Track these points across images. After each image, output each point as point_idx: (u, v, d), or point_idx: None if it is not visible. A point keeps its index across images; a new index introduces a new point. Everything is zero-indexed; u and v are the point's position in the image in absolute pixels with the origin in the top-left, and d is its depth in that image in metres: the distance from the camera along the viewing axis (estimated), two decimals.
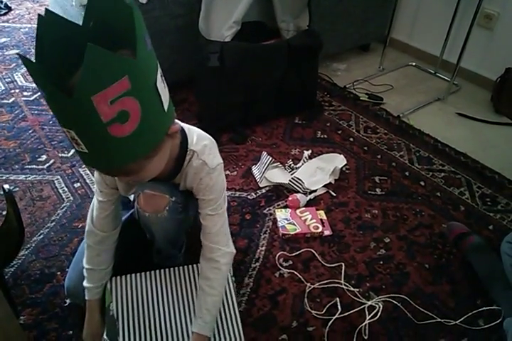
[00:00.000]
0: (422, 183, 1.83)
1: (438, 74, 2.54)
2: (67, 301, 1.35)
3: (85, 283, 1.19)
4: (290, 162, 1.88)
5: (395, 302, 1.38)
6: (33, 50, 2.75)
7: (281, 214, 1.63)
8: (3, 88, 2.35)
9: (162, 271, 1.28)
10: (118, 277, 1.25)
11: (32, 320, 1.30)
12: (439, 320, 1.33)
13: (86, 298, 1.20)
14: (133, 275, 1.26)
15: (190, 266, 1.29)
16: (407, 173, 1.88)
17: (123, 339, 1.12)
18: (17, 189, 1.75)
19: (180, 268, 1.29)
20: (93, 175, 1.24)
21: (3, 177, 1.80)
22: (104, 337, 1.14)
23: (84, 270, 1.19)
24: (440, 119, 2.23)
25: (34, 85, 2.38)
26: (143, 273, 1.27)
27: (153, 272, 1.27)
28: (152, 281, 1.25)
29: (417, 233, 1.62)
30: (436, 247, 1.57)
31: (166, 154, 0.94)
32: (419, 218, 1.68)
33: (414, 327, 1.32)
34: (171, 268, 1.29)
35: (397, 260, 1.51)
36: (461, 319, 1.34)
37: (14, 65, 2.55)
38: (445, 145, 2.04)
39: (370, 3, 2.44)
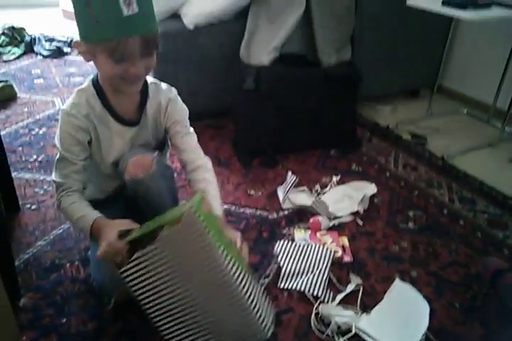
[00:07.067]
0: (461, 222, 1.69)
1: (490, 123, 2.43)
2: (111, 303, 1.27)
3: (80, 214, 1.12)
4: (317, 187, 1.82)
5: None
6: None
7: (300, 234, 1.55)
8: None
9: None
10: None
11: (31, 304, 1.32)
12: None
13: (90, 222, 1.08)
14: None
15: None
16: (445, 211, 1.75)
17: None
18: (50, 188, 1.80)
19: None
20: None
21: (41, 178, 1.88)
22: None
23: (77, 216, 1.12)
24: (490, 164, 2.10)
25: None
26: None
27: None
28: None
29: (449, 270, 1.46)
30: (470, 287, 1.40)
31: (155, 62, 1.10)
32: (454, 256, 1.52)
33: None
34: None
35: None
36: None
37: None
38: (491, 188, 1.89)
39: (416, 49, 2.43)
